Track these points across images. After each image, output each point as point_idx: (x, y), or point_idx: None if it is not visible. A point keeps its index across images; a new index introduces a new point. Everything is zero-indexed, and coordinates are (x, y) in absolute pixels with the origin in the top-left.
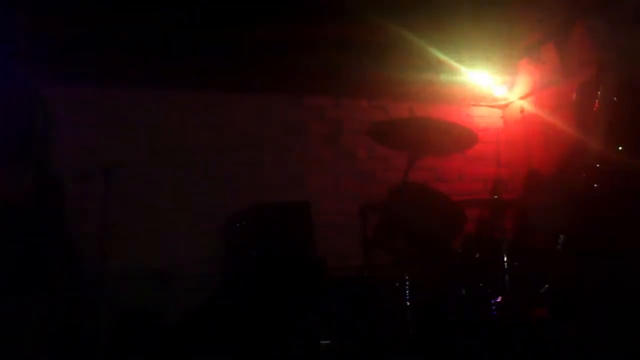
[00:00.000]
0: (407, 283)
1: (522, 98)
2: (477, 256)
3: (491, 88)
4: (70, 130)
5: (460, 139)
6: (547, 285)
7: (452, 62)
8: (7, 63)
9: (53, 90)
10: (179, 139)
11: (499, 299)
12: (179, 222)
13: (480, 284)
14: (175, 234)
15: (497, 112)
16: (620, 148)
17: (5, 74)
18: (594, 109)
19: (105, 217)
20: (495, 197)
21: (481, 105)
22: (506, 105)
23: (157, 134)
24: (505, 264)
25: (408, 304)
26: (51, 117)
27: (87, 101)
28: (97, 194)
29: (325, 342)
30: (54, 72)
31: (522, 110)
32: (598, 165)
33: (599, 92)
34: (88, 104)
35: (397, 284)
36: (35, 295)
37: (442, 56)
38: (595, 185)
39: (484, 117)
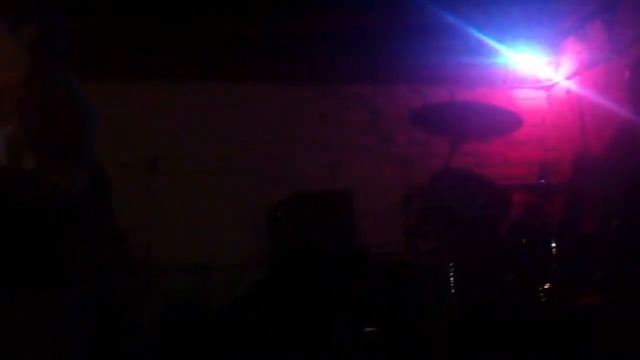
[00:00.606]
0: (451, 270)
1: (568, 78)
2: (523, 242)
3: (535, 69)
4: (111, 124)
5: (503, 122)
6: (598, 272)
7: (494, 43)
8: (51, 59)
9: (95, 85)
10: (218, 131)
11: (547, 286)
12: (220, 212)
13: (528, 271)
14: (216, 225)
15: (542, 94)
16: None
17: (50, 70)
18: None
19: (147, 209)
20: (542, 181)
21: (525, 88)
22: (551, 87)
23: (196, 127)
24: (554, 249)
25: (452, 291)
26: (95, 111)
27: (127, 95)
28: (140, 187)
29: (370, 329)
30: (92, 68)
31: (568, 91)
32: None
33: None
34: (128, 98)
35: (440, 271)
36: (85, 289)
37: (483, 37)
38: None
39: (527, 99)
